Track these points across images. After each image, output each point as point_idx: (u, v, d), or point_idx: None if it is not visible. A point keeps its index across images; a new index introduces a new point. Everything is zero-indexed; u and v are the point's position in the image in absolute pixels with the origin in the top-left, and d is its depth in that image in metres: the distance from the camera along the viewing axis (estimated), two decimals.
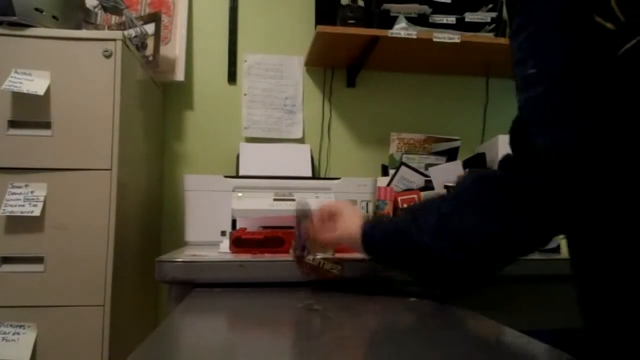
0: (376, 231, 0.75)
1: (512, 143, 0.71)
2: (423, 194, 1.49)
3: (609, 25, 0.47)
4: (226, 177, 1.30)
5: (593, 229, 0.54)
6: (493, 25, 1.55)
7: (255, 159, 1.58)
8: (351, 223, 0.78)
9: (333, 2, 1.63)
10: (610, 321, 0.54)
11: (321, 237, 0.81)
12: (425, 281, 0.77)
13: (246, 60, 1.73)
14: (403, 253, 0.72)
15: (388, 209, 1.45)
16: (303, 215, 0.83)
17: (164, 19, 1.65)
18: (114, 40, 1.12)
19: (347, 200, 0.91)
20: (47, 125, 1.09)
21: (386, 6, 1.51)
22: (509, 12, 0.63)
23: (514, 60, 0.59)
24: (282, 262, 0.84)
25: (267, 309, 0.72)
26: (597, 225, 0.54)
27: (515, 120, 0.69)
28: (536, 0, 0.54)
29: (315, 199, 1.30)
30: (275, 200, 1.28)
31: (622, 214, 0.51)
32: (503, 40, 1.57)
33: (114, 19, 1.57)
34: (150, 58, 1.57)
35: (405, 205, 1.47)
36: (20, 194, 1.06)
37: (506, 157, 0.72)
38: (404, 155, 1.65)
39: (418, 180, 1.59)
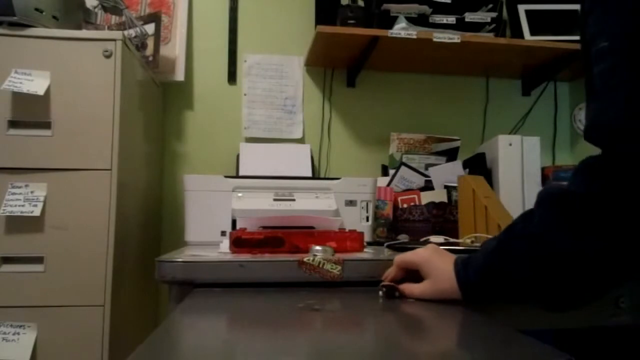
0: (471, 274, 0.68)
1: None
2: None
3: None
4: (226, 177, 1.30)
5: None
6: (493, 25, 1.55)
7: (255, 159, 1.58)
8: (442, 276, 0.71)
9: (333, 2, 1.63)
10: None
11: (414, 294, 0.74)
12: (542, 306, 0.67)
13: (246, 60, 1.73)
14: (505, 289, 0.65)
15: (388, 209, 1.45)
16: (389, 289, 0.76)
17: (164, 19, 1.65)
18: (114, 40, 1.12)
19: (429, 247, 0.78)
20: (47, 125, 1.09)
21: (386, 6, 1.51)
22: None
23: (587, 39, 0.60)
24: (282, 262, 0.84)
25: (267, 309, 0.72)
26: None
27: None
28: None
29: (316, 199, 1.30)
30: (275, 200, 1.28)
31: None
32: (503, 40, 1.57)
33: (114, 19, 1.57)
34: (150, 58, 1.57)
35: (405, 206, 1.47)
36: (20, 194, 1.07)
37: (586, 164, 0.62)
38: (404, 155, 1.65)
39: (418, 180, 1.59)
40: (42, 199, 1.07)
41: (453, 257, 0.73)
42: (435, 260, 0.73)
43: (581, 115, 1.86)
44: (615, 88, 0.55)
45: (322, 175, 1.72)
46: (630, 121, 0.53)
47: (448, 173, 1.54)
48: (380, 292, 0.76)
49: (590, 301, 0.60)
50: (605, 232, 0.55)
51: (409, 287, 0.75)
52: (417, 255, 0.76)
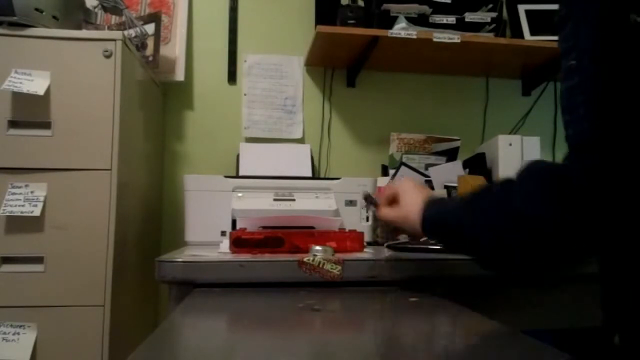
0: (435, 216, 0.74)
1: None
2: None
3: (639, 19, 0.50)
4: (226, 177, 1.30)
5: (623, 231, 0.55)
6: (493, 25, 1.55)
7: (255, 159, 1.58)
8: (411, 206, 0.79)
9: (333, 2, 1.63)
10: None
11: (384, 217, 0.86)
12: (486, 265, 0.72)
13: (246, 60, 1.73)
14: (461, 242, 0.71)
15: None
16: (369, 201, 0.95)
17: (164, 19, 1.65)
18: (114, 40, 1.12)
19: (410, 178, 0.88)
20: (47, 125, 1.09)
21: (386, 6, 1.51)
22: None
23: (560, 51, 0.61)
24: (282, 262, 0.84)
25: (267, 309, 0.72)
26: (627, 228, 0.55)
27: None
28: None
29: (316, 199, 1.31)
30: (275, 200, 1.28)
31: None
32: (503, 40, 1.57)
33: (114, 19, 1.57)
34: (150, 58, 1.57)
35: None
36: (20, 194, 1.06)
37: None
38: (404, 155, 1.65)
39: (418, 180, 1.59)
40: (42, 199, 1.07)
41: (430, 193, 0.81)
42: (411, 191, 0.82)
43: None
44: (577, 106, 0.57)
45: (322, 175, 1.71)
46: (585, 137, 0.56)
47: (448, 173, 1.54)
48: (364, 202, 0.95)
49: (538, 273, 0.67)
50: (582, 215, 0.56)
51: (383, 211, 0.86)
52: (398, 185, 0.85)
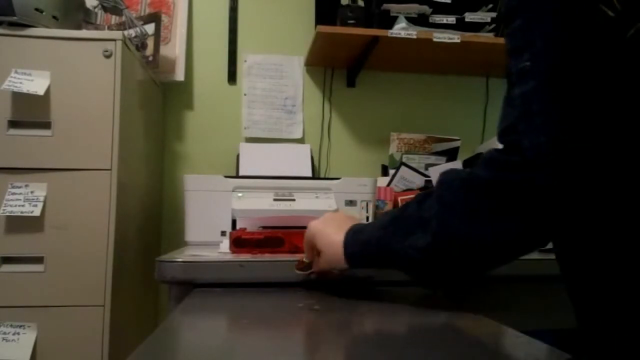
0: (360, 253, 0.70)
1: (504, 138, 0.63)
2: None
3: (610, 12, 0.46)
4: (226, 177, 1.30)
5: (581, 230, 0.53)
6: (493, 25, 1.55)
7: (255, 159, 1.58)
8: (331, 247, 0.72)
9: (333, 2, 1.63)
10: (605, 321, 0.54)
11: (319, 271, 0.78)
12: (419, 282, 0.73)
13: (246, 60, 1.73)
14: (390, 265, 0.69)
15: (388, 209, 1.45)
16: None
17: (164, 19, 1.65)
18: (114, 40, 1.12)
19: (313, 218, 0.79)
20: (47, 125, 1.09)
21: (386, 6, 1.51)
22: None
23: (507, 48, 0.54)
24: (282, 262, 0.84)
25: (267, 309, 0.72)
26: (585, 227, 0.53)
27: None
28: None
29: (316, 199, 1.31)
30: (275, 200, 1.28)
31: (611, 217, 0.51)
32: (503, 40, 1.57)
33: (114, 19, 1.57)
34: (150, 58, 1.57)
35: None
36: (20, 194, 1.07)
37: (491, 155, 0.64)
38: (404, 155, 1.65)
39: (418, 180, 1.59)
40: (42, 199, 1.07)
41: (348, 224, 0.74)
42: (324, 231, 0.75)
43: None
44: (533, 115, 0.50)
45: (322, 175, 1.71)
46: (542, 153, 0.50)
47: None
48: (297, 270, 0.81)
49: (466, 280, 0.67)
50: (503, 223, 0.57)
51: (315, 265, 0.78)
52: (310, 229, 0.77)
